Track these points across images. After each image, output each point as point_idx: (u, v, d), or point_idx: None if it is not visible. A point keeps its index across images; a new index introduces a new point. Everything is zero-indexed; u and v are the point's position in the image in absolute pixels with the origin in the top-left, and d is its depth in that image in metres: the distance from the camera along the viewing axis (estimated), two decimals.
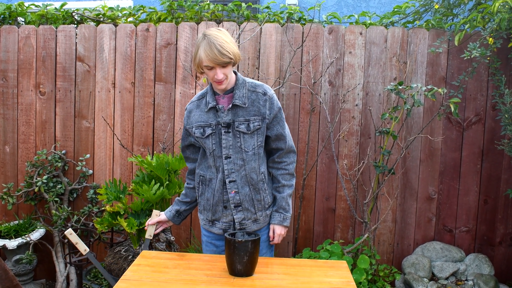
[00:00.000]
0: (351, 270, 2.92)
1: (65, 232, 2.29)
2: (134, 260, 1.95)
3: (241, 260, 1.73)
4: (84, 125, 3.42)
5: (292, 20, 3.35)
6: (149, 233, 2.22)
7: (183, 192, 2.19)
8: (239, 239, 1.72)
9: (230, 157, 1.96)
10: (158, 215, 2.19)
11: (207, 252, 2.13)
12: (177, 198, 2.21)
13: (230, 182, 1.98)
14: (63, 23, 3.49)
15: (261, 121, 1.96)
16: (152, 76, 3.34)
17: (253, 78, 3.03)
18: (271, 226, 2.06)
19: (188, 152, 2.16)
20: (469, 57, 2.86)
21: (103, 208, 3.29)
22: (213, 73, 1.86)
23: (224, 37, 1.83)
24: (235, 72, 1.99)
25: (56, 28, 3.39)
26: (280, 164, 2.05)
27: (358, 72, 3.22)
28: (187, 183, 2.18)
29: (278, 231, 2.05)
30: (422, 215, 3.28)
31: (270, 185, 2.07)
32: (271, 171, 2.08)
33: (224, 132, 1.95)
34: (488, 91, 3.17)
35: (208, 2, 3.38)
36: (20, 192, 3.32)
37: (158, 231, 2.21)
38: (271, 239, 2.07)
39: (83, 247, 2.34)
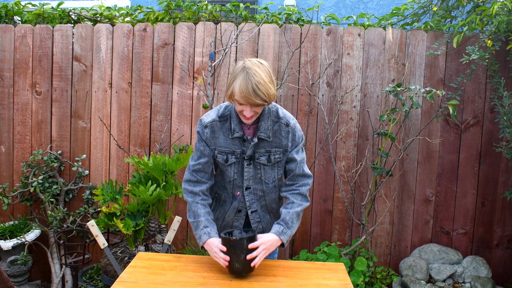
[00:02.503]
0: (349, 272, 2.91)
1: (88, 223, 2.33)
2: (130, 262, 1.93)
3: (239, 258, 1.72)
4: (81, 125, 3.39)
5: (290, 21, 3.34)
6: (169, 238, 2.24)
7: (207, 210, 1.92)
8: (234, 237, 1.72)
9: (250, 188, 1.94)
10: (179, 221, 2.28)
11: None
12: (207, 218, 1.90)
13: (252, 212, 1.97)
14: (60, 23, 3.47)
15: (282, 154, 1.92)
16: (149, 76, 3.32)
17: None
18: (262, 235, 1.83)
19: (201, 169, 1.94)
20: (467, 61, 2.86)
21: (99, 209, 3.27)
22: (242, 108, 1.75)
23: (263, 74, 1.70)
24: None
25: (53, 27, 3.36)
26: (291, 186, 1.94)
27: (356, 73, 3.22)
28: (204, 200, 1.94)
29: (266, 239, 1.78)
30: (420, 217, 3.27)
31: None
32: (283, 195, 1.96)
33: (247, 164, 1.91)
34: (486, 93, 3.16)
35: (206, 2, 3.37)
36: (16, 193, 3.29)
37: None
38: (251, 247, 1.74)
39: (102, 241, 2.36)
